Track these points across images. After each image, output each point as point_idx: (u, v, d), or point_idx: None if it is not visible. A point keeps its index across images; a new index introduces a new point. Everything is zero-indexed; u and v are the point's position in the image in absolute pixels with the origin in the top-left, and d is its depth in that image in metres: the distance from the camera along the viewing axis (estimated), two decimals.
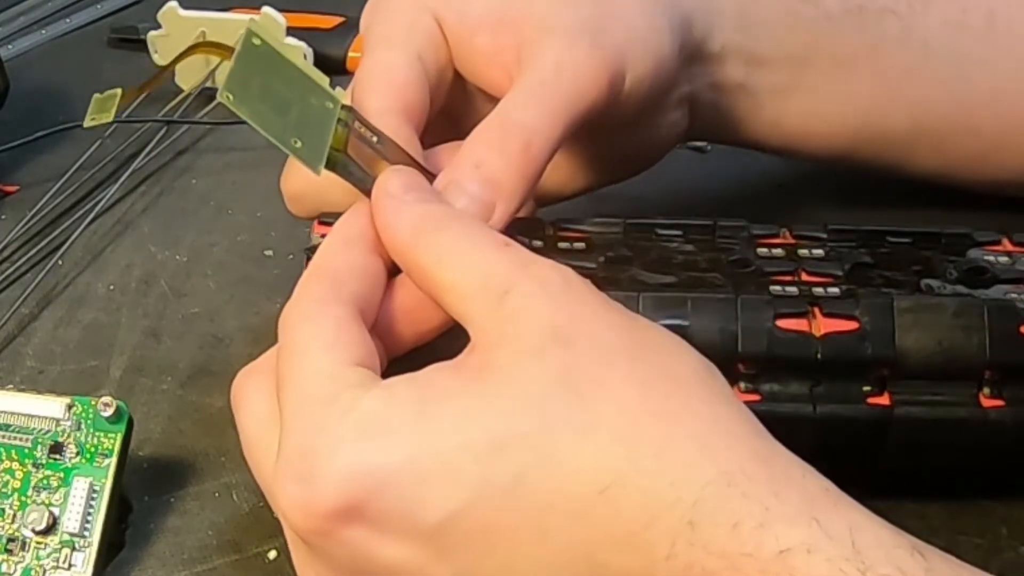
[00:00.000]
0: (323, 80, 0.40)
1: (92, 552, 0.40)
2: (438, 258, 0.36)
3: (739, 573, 0.31)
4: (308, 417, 0.34)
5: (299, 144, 0.37)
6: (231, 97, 0.35)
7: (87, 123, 0.56)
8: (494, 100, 0.42)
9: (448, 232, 0.36)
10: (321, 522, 0.33)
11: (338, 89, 0.41)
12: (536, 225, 0.43)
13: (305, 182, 0.45)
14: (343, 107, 0.39)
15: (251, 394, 0.37)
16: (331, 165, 0.37)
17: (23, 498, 0.41)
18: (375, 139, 0.39)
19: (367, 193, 0.38)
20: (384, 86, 0.41)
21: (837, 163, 0.54)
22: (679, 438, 0.32)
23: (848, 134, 0.52)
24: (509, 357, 0.33)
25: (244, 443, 0.37)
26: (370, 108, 0.41)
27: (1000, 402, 0.39)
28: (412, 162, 0.40)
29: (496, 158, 0.39)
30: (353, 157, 0.38)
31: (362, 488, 0.32)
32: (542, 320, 0.34)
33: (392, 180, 0.38)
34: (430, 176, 0.40)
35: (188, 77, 0.66)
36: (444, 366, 0.34)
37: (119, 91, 0.58)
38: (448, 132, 0.43)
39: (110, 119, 0.57)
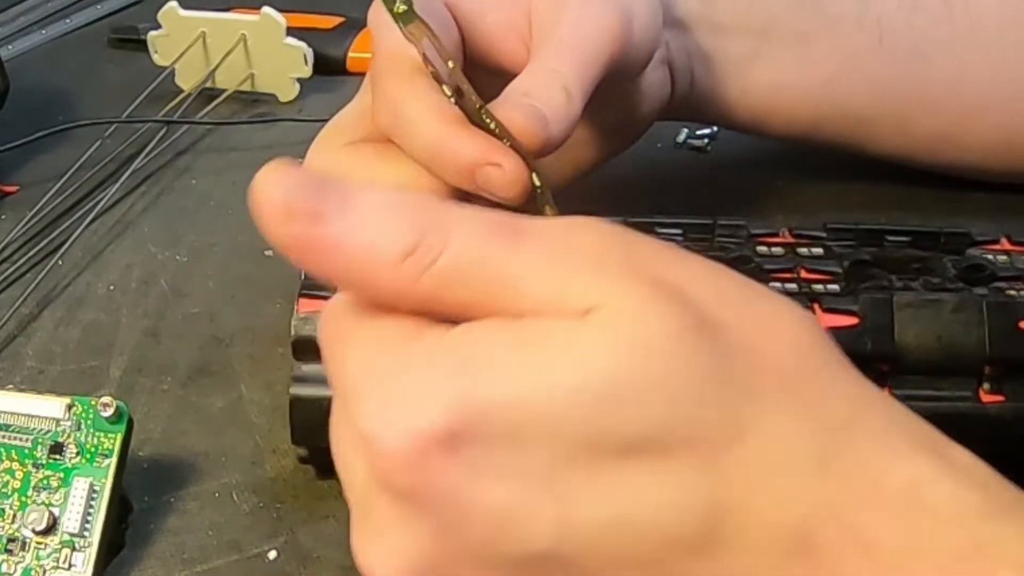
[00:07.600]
0: None
1: (92, 552, 0.40)
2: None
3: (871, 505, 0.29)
4: (400, 346, 0.30)
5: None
6: None
7: None
8: (505, 83, 0.42)
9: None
10: (422, 448, 0.29)
11: None
12: None
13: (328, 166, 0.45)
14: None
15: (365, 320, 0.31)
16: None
17: (23, 498, 0.41)
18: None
19: (433, 72, 0.39)
20: (405, 56, 0.41)
21: (802, 141, 0.55)
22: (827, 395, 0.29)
23: (810, 109, 0.54)
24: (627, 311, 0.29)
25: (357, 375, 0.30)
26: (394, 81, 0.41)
27: (1000, 397, 0.39)
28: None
29: (543, 90, 0.40)
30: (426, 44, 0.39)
31: (467, 418, 0.29)
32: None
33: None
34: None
35: (188, 77, 0.66)
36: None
37: None
38: None
39: None
